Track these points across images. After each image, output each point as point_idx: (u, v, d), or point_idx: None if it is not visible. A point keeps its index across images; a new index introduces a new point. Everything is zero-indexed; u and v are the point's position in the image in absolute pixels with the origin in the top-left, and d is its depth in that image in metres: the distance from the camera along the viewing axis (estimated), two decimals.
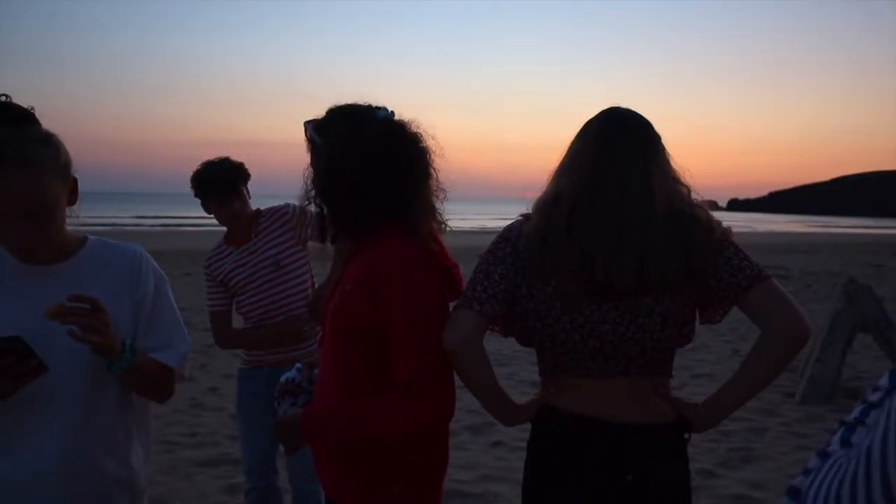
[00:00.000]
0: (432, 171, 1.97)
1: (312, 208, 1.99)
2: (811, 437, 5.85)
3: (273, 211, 3.54)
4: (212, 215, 3.52)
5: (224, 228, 3.57)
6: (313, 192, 1.97)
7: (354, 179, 1.88)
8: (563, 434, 1.92)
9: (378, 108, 1.96)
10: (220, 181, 3.40)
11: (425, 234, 1.94)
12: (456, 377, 1.89)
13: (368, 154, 1.88)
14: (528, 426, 2.03)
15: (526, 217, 1.98)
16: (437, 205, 2.00)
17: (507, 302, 1.92)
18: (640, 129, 1.98)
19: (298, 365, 2.17)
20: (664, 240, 1.85)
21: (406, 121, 1.97)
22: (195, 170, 3.46)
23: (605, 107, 2.03)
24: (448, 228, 2.04)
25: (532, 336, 1.97)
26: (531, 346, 2.01)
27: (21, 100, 1.87)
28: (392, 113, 1.96)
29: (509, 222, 2.02)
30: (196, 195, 3.47)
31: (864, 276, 14.37)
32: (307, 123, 1.97)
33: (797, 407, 6.68)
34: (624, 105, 2.05)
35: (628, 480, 1.86)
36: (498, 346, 9.24)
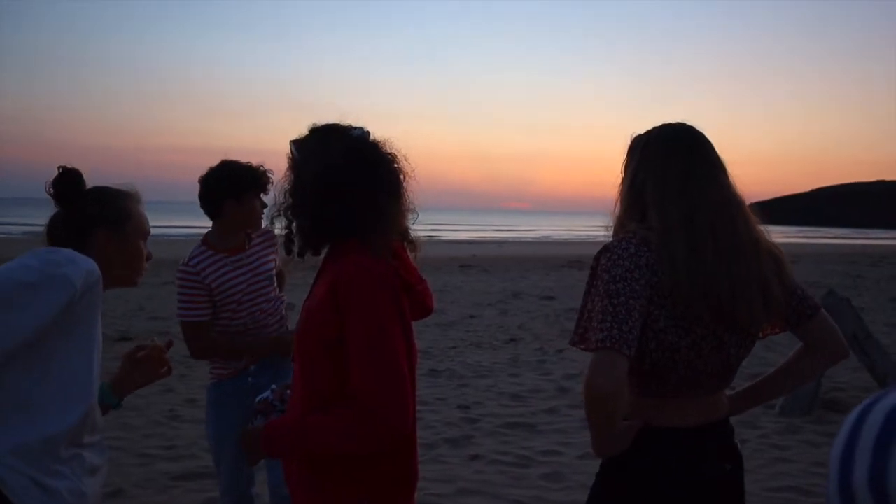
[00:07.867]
0: (402, 191, 1.97)
1: (282, 220, 2.00)
2: (790, 450, 5.87)
3: (267, 231, 3.45)
4: (228, 215, 3.33)
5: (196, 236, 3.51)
6: (284, 206, 1.98)
7: (318, 195, 1.91)
8: (679, 447, 1.93)
9: (354, 128, 1.98)
10: (255, 178, 3.33)
11: (388, 252, 1.95)
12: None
13: (333, 172, 1.91)
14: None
15: (645, 243, 1.87)
16: (408, 224, 2.01)
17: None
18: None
19: (273, 385, 2.20)
20: (773, 273, 1.94)
21: (379, 141, 1.99)
22: (224, 167, 3.31)
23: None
24: (419, 250, 2.06)
25: (655, 360, 1.88)
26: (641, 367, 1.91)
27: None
28: (367, 133, 1.99)
29: (610, 243, 1.89)
30: (229, 190, 3.28)
31: (843, 287, 14.47)
32: (292, 142, 2.00)
33: (777, 419, 6.70)
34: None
35: (727, 469, 2.00)
36: (478, 357, 9.18)
